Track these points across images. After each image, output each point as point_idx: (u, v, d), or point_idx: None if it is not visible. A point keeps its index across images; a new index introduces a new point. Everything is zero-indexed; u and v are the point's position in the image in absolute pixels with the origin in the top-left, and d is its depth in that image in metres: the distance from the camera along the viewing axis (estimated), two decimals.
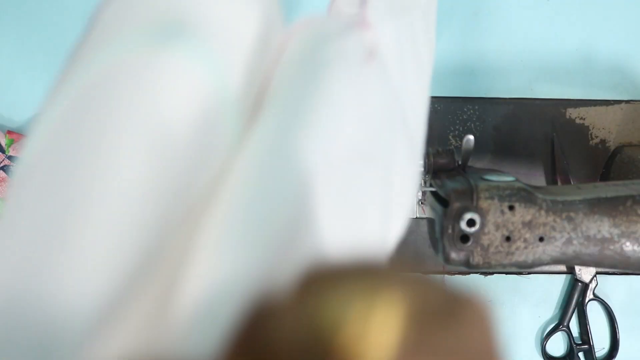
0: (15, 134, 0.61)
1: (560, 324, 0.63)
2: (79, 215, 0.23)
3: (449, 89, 0.63)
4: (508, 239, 0.41)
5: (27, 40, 0.63)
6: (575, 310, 0.63)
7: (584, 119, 0.63)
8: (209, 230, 0.26)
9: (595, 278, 0.62)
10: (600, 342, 0.64)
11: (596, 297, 0.63)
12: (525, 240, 0.41)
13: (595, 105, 0.63)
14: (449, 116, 0.63)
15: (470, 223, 0.40)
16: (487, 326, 0.25)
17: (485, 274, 0.64)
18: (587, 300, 0.63)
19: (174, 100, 0.25)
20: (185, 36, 0.26)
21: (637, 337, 0.64)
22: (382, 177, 0.34)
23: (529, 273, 0.64)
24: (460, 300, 0.25)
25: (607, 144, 0.63)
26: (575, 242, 0.41)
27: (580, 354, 0.64)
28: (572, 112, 0.63)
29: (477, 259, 0.41)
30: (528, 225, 0.41)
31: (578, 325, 0.64)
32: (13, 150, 0.61)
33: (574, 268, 0.62)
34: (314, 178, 0.28)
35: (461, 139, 0.62)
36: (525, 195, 0.41)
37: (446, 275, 0.64)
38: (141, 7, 0.27)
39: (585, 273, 0.62)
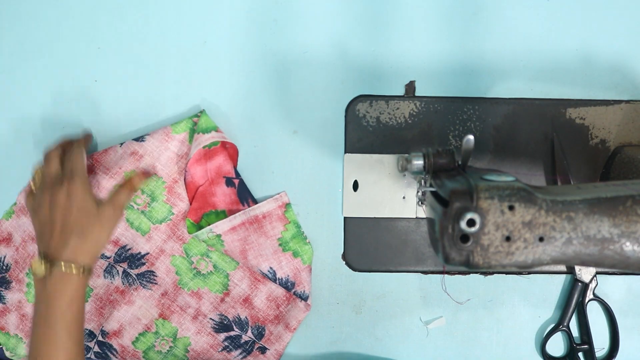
0: None
1: (560, 324, 0.63)
2: None
3: (449, 89, 0.63)
4: (508, 239, 0.41)
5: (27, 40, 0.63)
6: (575, 310, 0.63)
7: (584, 119, 0.63)
8: None
9: (595, 278, 0.62)
10: (600, 342, 0.64)
11: (596, 297, 0.63)
12: (525, 240, 0.41)
13: (595, 105, 0.63)
14: (449, 116, 0.63)
15: (470, 223, 0.40)
16: None
17: (485, 274, 0.64)
18: (587, 300, 0.63)
19: None
20: None
21: (637, 337, 0.64)
22: None
23: (529, 273, 0.64)
24: None
25: (607, 144, 0.63)
26: (575, 242, 0.41)
27: (580, 354, 0.64)
28: (572, 112, 0.63)
29: (477, 259, 0.41)
30: (528, 225, 0.41)
31: (578, 325, 0.64)
32: None
33: (574, 268, 0.62)
34: None
35: (461, 139, 0.62)
36: (525, 195, 0.41)
37: (446, 275, 0.64)
38: None
39: (585, 273, 0.62)
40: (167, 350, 0.63)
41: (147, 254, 0.62)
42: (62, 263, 0.50)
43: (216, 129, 0.61)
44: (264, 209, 0.62)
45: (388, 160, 0.62)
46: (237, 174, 0.62)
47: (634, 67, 0.64)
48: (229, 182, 0.62)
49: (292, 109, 0.63)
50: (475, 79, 0.63)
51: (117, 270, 0.62)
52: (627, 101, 0.63)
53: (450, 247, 0.41)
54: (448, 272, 0.64)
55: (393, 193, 0.62)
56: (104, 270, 0.62)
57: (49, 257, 0.51)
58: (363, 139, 0.63)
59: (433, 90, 0.63)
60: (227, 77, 0.63)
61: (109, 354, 0.63)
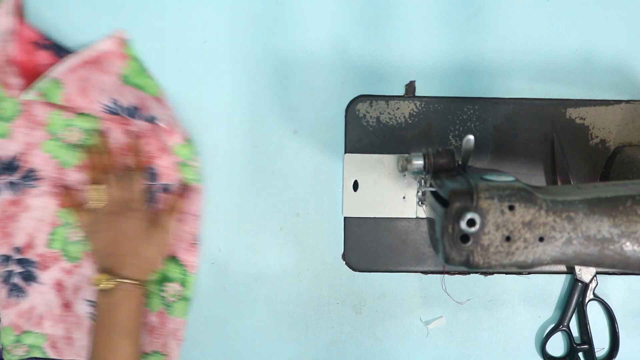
0: None
1: (560, 324, 0.63)
2: None
3: (449, 89, 0.63)
4: (508, 239, 0.41)
5: None
6: (575, 310, 0.63)
7: (584, 119, 0.63)
8: None
9: (595, 278, 0.62)
10: (600, 342, 0.64)
11: (596, 297, 0.63)
12: (525, 240, 0.41)
13: (595, 105, 0.63)
14: (449, 116, 0.63)
15: (470, 223, 0.40)
16: None
17: (485, 274, 0.64)
18: (587, 300, 0.63)
19: None
20: None
21: (637, 337, 0.64)
22: None
23: (529, 273, 0.64)
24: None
25: (607, 144, 0.63)
26: (575, 242, 0.41)
27: (580, 354, 0.64)
28: (572, 112, 0.63)
29: (477, 259, 0.41)
30: (528, 225, 0.41)
31: (578, 325, 0.64)
32: None
33: (574, 268, 0.62)
34: None
35: (461, 139, 0.62)
36: (525, 195, 0.41)
37: (446, 275, 0.64)
38: None
39: (585, 273, 0.62)
40: (83, 237, 0.62)
41: (19, 154, 0.61)
42: (124, 279, 0.57)
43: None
44: (101, 48, 0.61)
45: (388, 160, 0.62)
46: (47, 37, 0.61)
47: (634, 67, 0.64)
48: (42, 45, 0.61)
49: (292, 109, 0.63)
50: (475, 79, 0.63)
51: (0, 186, 0.61)
52: (627, 101, 0.63)
53: (450, 247, 0.42)
54: (448, 272, 0.64)
55: (393, 193, 0.62)
56: None
57: (112, 274, 0.57)
58: (363, 139, 0.63)
59: (433, 90, 0.63)
60: (227, 77, 0.63)
61: (32, 269, 0.62)
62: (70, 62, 0.60)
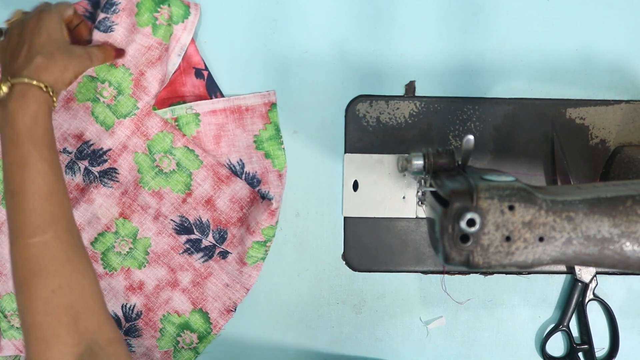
0: None
1: (560, 324, 0.63)
2: None
3: (449, 89, 0.63)
4: (508, 239, 0.41)
5: None
6: (575, 310, 0.63)
7: (584, 119, 0.63)
8: None
9: (595, 278, 0.62)
10: (600, 342, 0.64)
11: (596, 297, 0.63)
12: (525, 240, 0.41)
13: (595, 105, 0.63)
14: (449, 116, 0.63)
15: (470, 223, 0.40)
16: None
17: (485, 274, 0.64)
18: (587, 300, 0.63)
19: None
20: None
21: (637, 337, 0.64)
22: None
23: (529, 273, 0.64)
24: None
25: (607, 144, 0.63)
26: (575, 242, 0.41)
27: (580, 354, 0.64)
28: (572, 112, 0.63)
29: (477, 259, 0.41)
30: (528, 225, 0.41)
31: (578, 325, 0.64)
32: None
33: (574, 268, 0.62)
34: None
35: (461, 139, 0.62)
36: (525, 195, 0.41)
37: (446, 275, 0.64)
38: None
39: (585, 273, 0.62)
40: (127, 252, 0.62)
41: (110, 150, 0.60)
42: (25, 78, 0.47)
43: (188, 15, 0.60)
44: (249, 102, 0.61)
45: (388, 160, 0.62)
46: (206, 66, 0.62)
47: (634, 67, 0.64)
48: (198, 73, 0.61)
49: (292, 109, 0.63)
50: (475, 79, 0.63)
51: (79, 167, 0.61)
52: (627, 101, 0.63)
53: (450, 247, 0.42)
54: (448, 272, 0.64)
55: (393, 193, 0.62)
56: (66, 166, 0.61)
57: (11, 75, 0.48)
58: (363, 139, 0.63)
59: (433, 90, 0.63)
60: (227, 77, 0.63)
61: None
62: (216, 103, 0.61)
